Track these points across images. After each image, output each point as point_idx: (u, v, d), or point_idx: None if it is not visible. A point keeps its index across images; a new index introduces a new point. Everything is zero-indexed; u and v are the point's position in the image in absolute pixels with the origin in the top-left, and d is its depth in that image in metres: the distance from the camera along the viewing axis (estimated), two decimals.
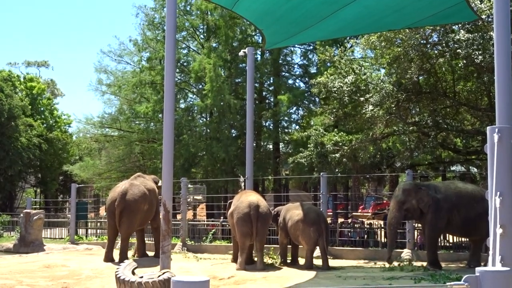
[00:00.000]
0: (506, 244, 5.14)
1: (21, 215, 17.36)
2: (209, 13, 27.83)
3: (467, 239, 13.05)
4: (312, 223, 11.82)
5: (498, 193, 5.24)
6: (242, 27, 27.34)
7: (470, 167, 24.90)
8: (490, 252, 5.09)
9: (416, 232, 14.11)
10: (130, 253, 13.93)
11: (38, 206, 29.89)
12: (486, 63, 13.01)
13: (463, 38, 13.34)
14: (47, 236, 19.64)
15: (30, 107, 40.20)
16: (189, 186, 21.19)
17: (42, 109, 43.79)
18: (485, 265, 9.65)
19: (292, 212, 12.29)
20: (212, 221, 20.05)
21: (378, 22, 12.13)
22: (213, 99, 25.29)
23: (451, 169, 26.72)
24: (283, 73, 29.52)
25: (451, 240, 14.75)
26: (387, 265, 11.74)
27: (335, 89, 16.33)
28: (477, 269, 3.19)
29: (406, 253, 13.07)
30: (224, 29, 26.55)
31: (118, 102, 31.64)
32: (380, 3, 10.69)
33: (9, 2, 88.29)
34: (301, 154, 20.10)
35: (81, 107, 60.82)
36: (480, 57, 12.98)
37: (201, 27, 29.38)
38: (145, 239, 14.74)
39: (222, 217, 18.87)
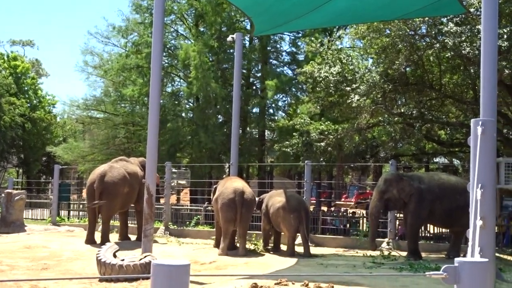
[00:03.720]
0: (485, 236, 5.21)
1: (2, 195, 17.22)
2: None
3: (448, 230, 13.19)
4: (292, 210, 11.87)
5: (480, 185, 5.29)
6: (230, 13, 27.18)
7: (453, 159, 25.14)
8: (470, 243, 5.15)
9: (397, 222, 14.23)
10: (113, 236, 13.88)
11: (20, 187, 29.66)
12: (473, 55, 13.08)
13: (451, 31, 13.40)
14: (29, 216, 19.52)
15: (14, 85, 39.74)
16: (174, 170, 21.16)
17: (26, 88, 43.26)
18: (465, 256, 9.77)
19: (275, 199, 12.33)
20: (196, 206, 20.05)
21: (368, 14, 12.14)
22: (198, 86, 25.19)
23: (435, 160, 26.96)
24: (271, 60, 29.48)
25: (431, 231, 14.90)
26: (368, 253, 11.84)
27: (320, 78, 16.33)
28: (456, 259, 3.21)
29: (387, 242, 13.18)
30: (211, 15, 26.40)
31: (103, 84, 31.41)
32: None
33: None
34: (287, 142, 20.15)
35: (66, 88, 60.33)
36: (467, 48, 13.04)
37: (189, 11, 29.15)
38: (128, 222, 14.72)
39: (206, 203, 18.88)
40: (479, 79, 8.18)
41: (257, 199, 13.04)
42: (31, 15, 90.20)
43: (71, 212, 20.43)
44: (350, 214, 17.90)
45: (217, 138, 25.24)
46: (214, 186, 13.18)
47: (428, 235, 14.83)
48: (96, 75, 31.22)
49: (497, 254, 9.57)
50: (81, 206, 21.00)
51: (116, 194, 13.07)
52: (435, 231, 14.68)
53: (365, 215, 16.94)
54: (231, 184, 12.21)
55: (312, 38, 20.71)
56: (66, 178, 32.63)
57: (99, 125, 31.22)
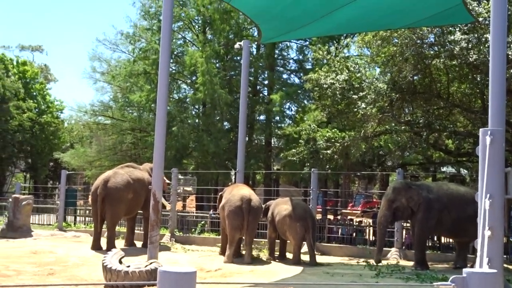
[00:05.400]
0: (493, 246, 5.17)
1: (10, 200, 17.26)
2: (205, 6, 27.64)
3: (454, 241, 13.10)
4: (298, 219, 11.83)
5: (488, 195, 5.25)
6: (238, 20, 27.25)
7: (461, 168, 25.03)
8: (478, 254, 5.11)
9: (404, 232, 14.16)
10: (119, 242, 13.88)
11: (27, 192, 29.74)
12: (480, 63, 13.04)
13: (458, 39, 13.37)
14: (35, 222, 19.54)
15: (22, 90, 39.94)
16: (180, 177, 21.15)
17: (34, 93, 43.50)
18: (472, 266, 9.70)
19: (280, 207, 12.30)
20: (202, 213, 20.03)
21: (375, 22, 12.13)
22: (204, 93, 25.24)
23: (442, 170, 26.85)
24: (278, 68, 29.51)
25: (439, 241, 14.81)
26: (374, 263, 11.77)
27: (326, 86, 16.32)
28: (464, 270, 3.19)
29: (393, 252, 13.11)
30: (219, 22, 26.48)
31: (111, 90, 31.53)
32: (378, 4, 10.68)
33: None
34: (293, 151, 20.12)
35: (74, 94, 60.62)
36: (474, 56, 13.01)
37: (197, 18, 29.26)
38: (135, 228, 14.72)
39: (212, 210, 18.87)
40: (487, 88, 8.15)
41: (262, 206, 13.02)
42: (40, 21, 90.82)
43: (78, 218, 20.45)
44: (356, 223, 17.84)
45: (222, 144, 25.24)
46: (220, 193, 13.16)
47: (436, 245, 14.75)
48: (104, 81, 31.36)
49: (505, 265, 9.49)
50: (87, 211, 21.02)
51: (119, 200, 13.07)
52: (443, 241, 14.58)
53: (371, 223, 16.88)
54: (238, 192, 12.18)
55: (319, 45, 20.72)
56: (73, 183, 32.79)
57: (106, 131, 31.33)
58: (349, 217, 21.76)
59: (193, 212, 21.88)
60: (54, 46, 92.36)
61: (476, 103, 16.40)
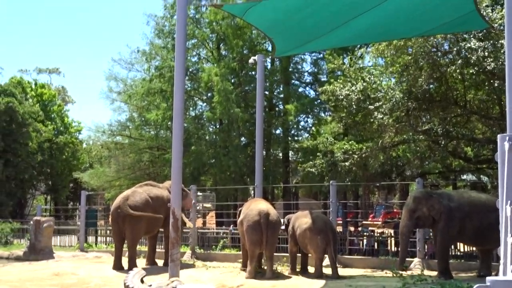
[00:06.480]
0: None
1: (31, 222, 17.41)
2: (218, 22, 27.81)
3: (476, 249, 12.93)
4: (319, 232, 11.75)
5: (509, 202, 5.19)
6: (251, 36, 27.38)
7: (481, 176, 24.75)
8: (501, 261, 5.03)
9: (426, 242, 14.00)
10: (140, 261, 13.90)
11: (48, 214, 29.99)
12: (497, 70, 12.94)
13: (474, 46, 13.28)
14: (57, 243, 19.68)
15: (41, 113, 40.45)
16: (199, 194, 21.19)
17: (52, 115, 44.02)
18: (496, 274, 9.56)
19: (301, 220, 12.24)
20: (222, 229, 20.00)
21: (389, 31, 12.11)
22: (221, 111, 25.36)
23: (462, 178, 26.58)
24: (293, 81, 29.55)
25: (462, 249, 14.62)
26: (398, 274, 11.64)
27: (342, 97, 16.29)
28: (488, 278, 3.15)
29: (416, 262, 12.97)
30: (232, 38, 26.63)
31: (128, 110, 31.80)
32: (392, 13, 10.67)
33: (22, 10, 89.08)
34: (310, 163, 20.06)
35: (92, 114, 61.14)
36: (492, 64, 12.91)
37: (211, 35, 29.44)
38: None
39: (232, 225, 18.85)
40: (504, 94, 8.08)
41: (282, 220, 12.96)
42: (57, 43, 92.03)
43: (99, 238, 20.55)
44: (378, 234, 17.69)
45: (239, 161, 25.27)
46: (239, 209, 13.14)
47: (459, 253, 14.57)
48: (121, 100, 31.64)
49: None
50: (108, 231, 21.12)
51: (138, 219, 13.09)
52: (466, 250, 14.39)
53: (392, 234, 16.72)
54: (255, 206, 12.16)
55: (335, 55, 20.73)
56: (93, 204, 32.95)
57: (124, 150, 31.54)
58: (370, 228, 21.61)
59: (213, 229, 21.84)
60: (71, 68, 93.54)
61: (494, 109, 16.25)
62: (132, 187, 14.92)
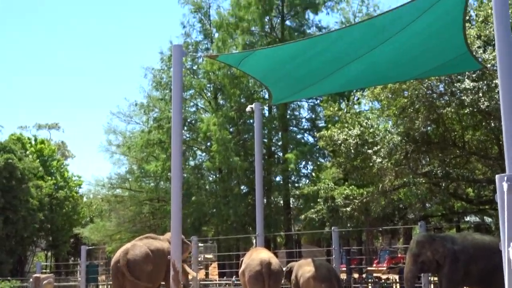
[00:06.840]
0: None
1: (31, 280, 17.14)
2: (214, 72, 28.13)
3: None
4: (323, 280, 11.52)
5: (511, 243, 5.09)
6: (247, 84, 27.63)
7: (485, 217, 24.55)
8: None
9: (431, 286, 13.74)
10: None
11: (48, 270, 29.60)
12: (492, 109, 12.98)
13: (468, 87, 13.36)
14: None
15: (41, 168, 40.46)
16: (200, 245, 20.95)
17: (52, 170, 44.03)
18: None
19: (304, 268, 12.02)
20: (225, 280, 19.71)
21: (383, 75, 12.17)
22: (220, 160, 25.38)
23: (465, 219, 26.36)
24: (291, 128, 29.66)
25: None
26: None
27: (340, 142, 16.30)
28: None
29: None
30: (229, 88, 26.88)
31: (127, 162, 31.83)
32: (385, 58, 10.74)
33: (20, 68, 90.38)
34: (311, 210, 19.94)
35: (91, 168, 61.28)
36: (486, 103, 12.96)
37: (208, 85, 29.73)
38: None
39: (234, 276, 18.58)
40: (502, 133, 8.07)
41: (284, 268, 12.75)
42: (56, 99, 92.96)
43: None
44: (383, 281, 17.41)
45: (239, 210, 25.12)
46: (241, 259, 12.95)
47: None
48: (120, 153, 31.70)
49: None
50: (109, 286, 20.78)
51: (140, 273, 12.87)
52: None
53: (397, 280, 16.46)
54: (257, 256, 11.96)
55: (330, 103, 20.85)
56: (94, 258, 32.56)
57: (124, 203, 31.43)
58: (375, 274, 21.27)
59: (216, 280, 21.52)
60: (70, 122, 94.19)
61: (493, 149, 16.24)
62: (133, 240, 14.73)
